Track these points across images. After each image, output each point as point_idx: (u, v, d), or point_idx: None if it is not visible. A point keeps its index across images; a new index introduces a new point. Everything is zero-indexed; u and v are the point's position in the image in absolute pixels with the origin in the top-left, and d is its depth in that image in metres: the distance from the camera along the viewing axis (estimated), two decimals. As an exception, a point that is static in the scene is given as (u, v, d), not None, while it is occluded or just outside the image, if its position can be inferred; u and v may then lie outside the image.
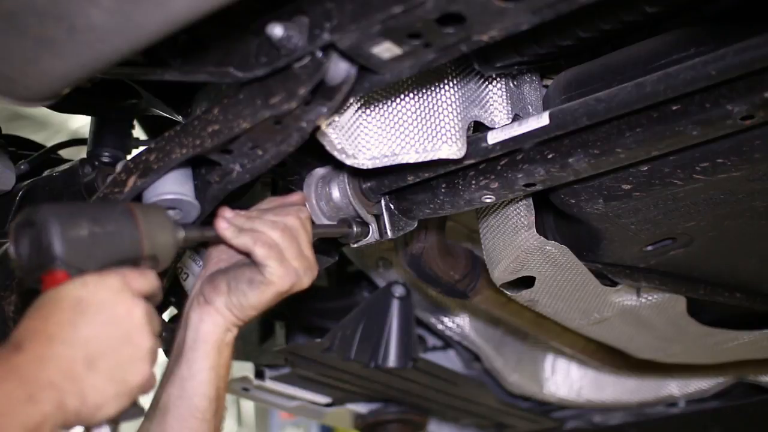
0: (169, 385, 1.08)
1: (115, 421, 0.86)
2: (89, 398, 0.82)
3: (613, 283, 1.52)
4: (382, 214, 1.26)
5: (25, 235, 0.88)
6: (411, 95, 1.11)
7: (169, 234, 0.97)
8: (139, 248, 0.92)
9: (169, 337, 1.38)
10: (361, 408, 2.34)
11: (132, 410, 0.88)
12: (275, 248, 1.05)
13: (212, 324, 1.08)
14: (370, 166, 1.10)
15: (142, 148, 1.16)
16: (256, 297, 1.07)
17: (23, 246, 0.88)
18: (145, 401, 0.96)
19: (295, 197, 1.19)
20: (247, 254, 1.07)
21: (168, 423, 1.06)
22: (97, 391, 0.82)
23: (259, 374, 2.04)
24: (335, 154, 1.08)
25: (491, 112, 1.20)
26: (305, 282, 1.09)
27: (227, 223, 1.05)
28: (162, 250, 0.95)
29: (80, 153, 1.44)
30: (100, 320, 0.84)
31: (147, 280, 0.91)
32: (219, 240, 1.08)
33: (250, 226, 1.06)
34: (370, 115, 1.10)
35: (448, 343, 2.21)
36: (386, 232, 1.25)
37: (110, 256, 0.90)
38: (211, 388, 1.07)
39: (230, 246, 1.07)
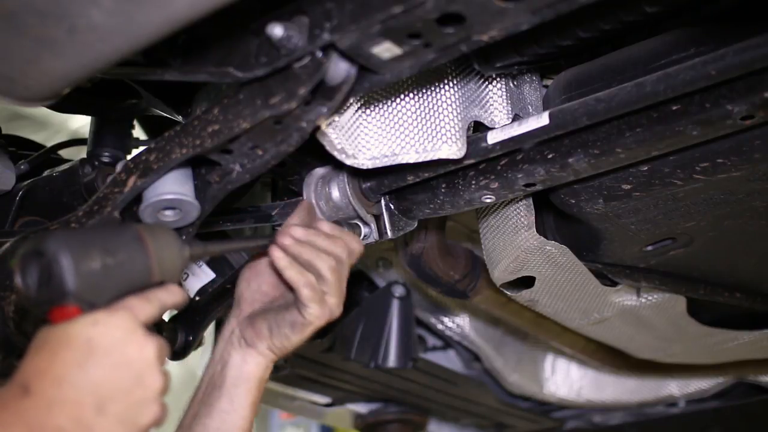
0: (206, 417, 1.11)
1: None
2: None
3: (613, 283, 1.52)
4: (382, 214, 1.26)
5: (33, 265, 0.84)
6: (411, 95, 1.11)
7: (177, 256, 0.95)
8: (149, 275, 0.90)
9: (169, 336, 1.39)
10: (361, 408, 2.35)
11: None
12: (319, 291, 1.09)
13: (255, 365, 1.15)
14: (370, 166, 1.10)
15: (142, 148, 1.16)
16: (298, 338, 1.13)
17: (31, 276, 0.84)
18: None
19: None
20: (289, 285, 1.11)
21: None
22: None
23: (259, 374, 2.04)
24: (335, 154, 1.08)
25: (491, 112, 1.20)
26: (336, 314, 1.13)
27: (282, 253, 1.08)
28: (170, 273, 0.94)
29: (80, 153, 1.44)
30: (110, 362, 0.82)
31: (153, 306, 0.90)
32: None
33: (306, 259, 1.09)
34: (370, 115, 1.10)
35: (448, 343, 2.21)
36: (386, 232, 1.25)
37: (121, 287, 0.88)
38: (248, 423, 1.13)
39: (275, 272, 1.12)
